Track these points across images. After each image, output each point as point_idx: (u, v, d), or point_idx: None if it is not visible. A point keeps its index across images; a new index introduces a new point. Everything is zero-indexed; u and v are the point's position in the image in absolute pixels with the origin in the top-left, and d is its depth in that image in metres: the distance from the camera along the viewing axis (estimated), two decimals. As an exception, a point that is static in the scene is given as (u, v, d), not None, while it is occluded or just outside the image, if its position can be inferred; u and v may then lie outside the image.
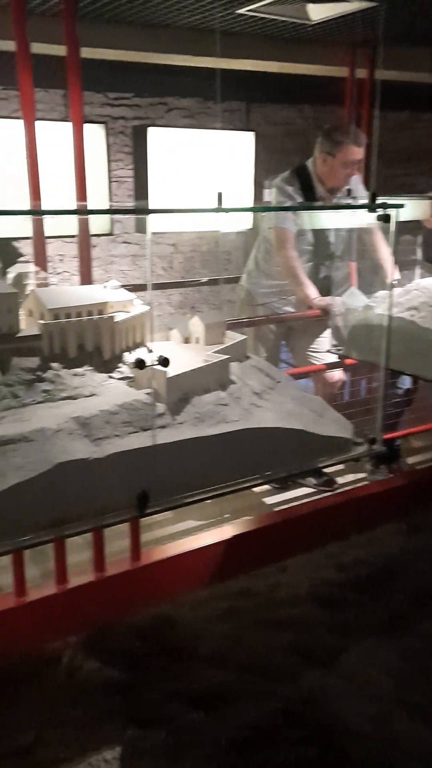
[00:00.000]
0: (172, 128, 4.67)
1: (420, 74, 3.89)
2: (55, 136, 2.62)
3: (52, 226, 2.50)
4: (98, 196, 4.28)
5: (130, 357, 1.74)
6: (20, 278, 1.87)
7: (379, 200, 1.78)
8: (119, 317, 1.72)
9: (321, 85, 3.96)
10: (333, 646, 2.40)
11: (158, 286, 4.83)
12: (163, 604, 2.60)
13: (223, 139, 4.85)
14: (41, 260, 2.34)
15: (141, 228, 4.11)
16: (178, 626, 2.53)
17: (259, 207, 4.63)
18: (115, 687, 2.21)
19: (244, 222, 4.64)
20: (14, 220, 2.62)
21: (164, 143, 4.54)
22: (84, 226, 2.38)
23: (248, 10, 2.90)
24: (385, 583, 2.77)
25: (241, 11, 2.91)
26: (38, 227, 2.33)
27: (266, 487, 3.44)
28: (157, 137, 4.52)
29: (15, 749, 1.99)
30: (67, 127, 2.30)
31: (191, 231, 4.92)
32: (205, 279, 5.33)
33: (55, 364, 1.62)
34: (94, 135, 4.25)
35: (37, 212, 2.28)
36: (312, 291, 3.19)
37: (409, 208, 1.86)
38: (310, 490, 3.50)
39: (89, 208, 2.57)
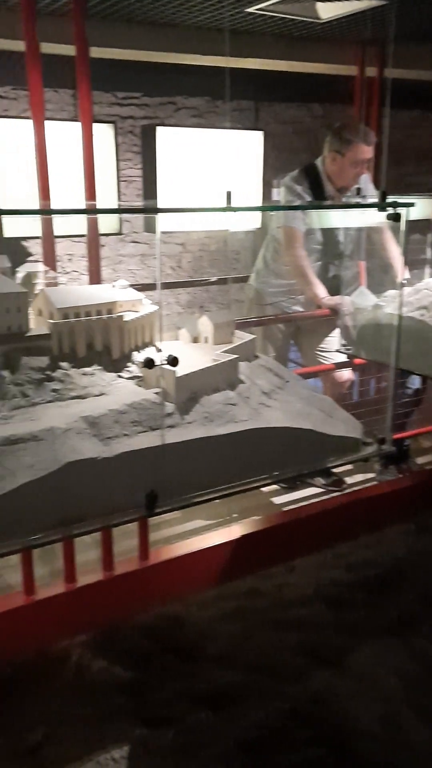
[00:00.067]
0: (181, 128, 4.67)
1: (430, 72, 3.87)
2: (64, 135, 2.62)
3: (61, 225, 2.51)
4: (107, 196, 4.30)
5: (139, 356, 1.74)
6: (29, 278, 1.88)
7: (389, 199, 1.77)
8: (128, 317, 1.72)
9: (330, 83, 3.96)
10: (341, 647, 2.39)
11: (167, 286, 4.84)
12: (171, 604, 2.60)
13: (231, 139, 4.85)
14: (50, 259, 2.35)
15: (150, 227, 4.13)
16: (186, 626, 2.53)
17: (268, 206, 4.63)
18: (123, 686, 2.21)
19: (253, 221, 4.66)
20: (24, 220, 2.63)
21: (173, 142, 4.55)
22: (93, 225, 2.39)
23: (257, 9, 2.90)
24: (393, 583, 2.76)
25: (250, 10, 2.91)
26: (47, 226, 2.34)
27: (275, 486, 3.44)
28: (166, 136, 4.53)
29: (23, 747, 1.99)
30: (76, 127, 2.31)
31: (200, 230, 4.92)
32: (213, 278, 5.33)
33: (64, 364, 1.63)
34: (103, 134, 4.27)
35: (46, 212, 2.28)
36: (321, 290, 3.19)
37: (420, 207, 1.84)
38: (319, 490, 3.50)
39: (98, 207, 2.58)
